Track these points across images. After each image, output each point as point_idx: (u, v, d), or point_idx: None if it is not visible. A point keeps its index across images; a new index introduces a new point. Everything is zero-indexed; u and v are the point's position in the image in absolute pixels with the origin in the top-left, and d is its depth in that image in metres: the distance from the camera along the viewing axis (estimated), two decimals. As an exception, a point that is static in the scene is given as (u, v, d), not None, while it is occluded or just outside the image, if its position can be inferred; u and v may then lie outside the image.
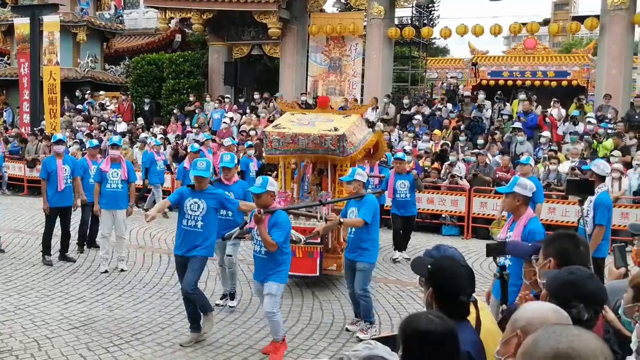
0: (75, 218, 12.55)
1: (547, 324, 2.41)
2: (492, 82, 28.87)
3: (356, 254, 8.37)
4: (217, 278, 10.39)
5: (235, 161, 9.79)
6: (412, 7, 27.19)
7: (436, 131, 19.21)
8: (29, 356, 7.35)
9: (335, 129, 10.31)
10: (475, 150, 17.15)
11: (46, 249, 11.86)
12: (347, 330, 8.54)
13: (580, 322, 3.05)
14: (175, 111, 24.66)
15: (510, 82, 28.68)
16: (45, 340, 7.87)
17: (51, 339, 7.94)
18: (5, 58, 31.46)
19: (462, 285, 3.57)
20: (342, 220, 8.33)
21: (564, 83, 28.85)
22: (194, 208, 7.91)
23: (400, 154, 13.64)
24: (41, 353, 7.48)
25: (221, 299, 9.61)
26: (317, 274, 10.05)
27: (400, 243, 12.91)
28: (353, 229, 8.40)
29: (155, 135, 20.29)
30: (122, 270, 11.30)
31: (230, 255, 9.35)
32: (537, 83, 28.91)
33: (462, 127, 19.08)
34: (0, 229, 13.62)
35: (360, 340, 7.72)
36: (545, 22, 47.77)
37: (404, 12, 27.64)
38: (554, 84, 28.82)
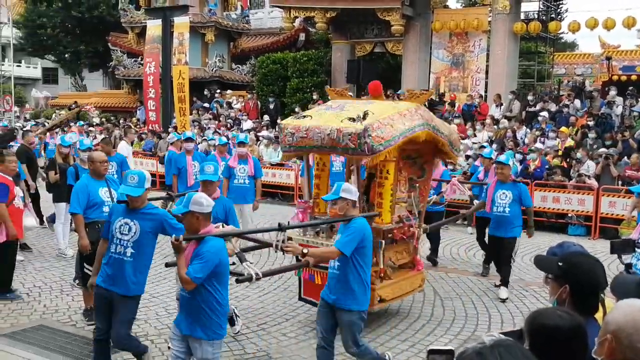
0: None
1: None
2: (623, 78, 27.74)
3: (337, 297, 6.25)
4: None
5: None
6: (539, 1, 26.53)
7: (563, 128, 18.61)
8: (163, 341, 7.72)
9: (363, 117, 7.59)
10: (603, 150, 16.49)
11: (177, 241, 12.31)
12: None
13: None
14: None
15: (644, 78, 27.50)
16: (177, 328, 8.24)
17: (182, 326, 8.30)
18: (139, 59, 32.74)
19: (600, 280, 3.51)
20: (304, 251, 6.18)
21: None
22: (124, 231, 6.30)
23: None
24: (174, 339, 7.83)
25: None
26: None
27: (498, 271, 10.45)
28: (336, 263, 6.29)
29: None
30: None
31: None
32: (674, 78, 27.57)
33: (591, 124, 18.48)
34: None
35: None
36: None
37: (530, 7, 26.95)
38: (692, 79, 27.39)
